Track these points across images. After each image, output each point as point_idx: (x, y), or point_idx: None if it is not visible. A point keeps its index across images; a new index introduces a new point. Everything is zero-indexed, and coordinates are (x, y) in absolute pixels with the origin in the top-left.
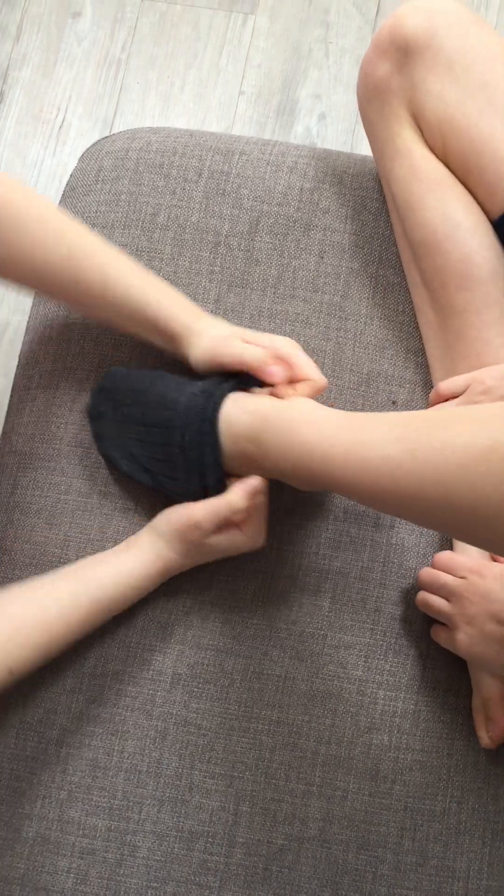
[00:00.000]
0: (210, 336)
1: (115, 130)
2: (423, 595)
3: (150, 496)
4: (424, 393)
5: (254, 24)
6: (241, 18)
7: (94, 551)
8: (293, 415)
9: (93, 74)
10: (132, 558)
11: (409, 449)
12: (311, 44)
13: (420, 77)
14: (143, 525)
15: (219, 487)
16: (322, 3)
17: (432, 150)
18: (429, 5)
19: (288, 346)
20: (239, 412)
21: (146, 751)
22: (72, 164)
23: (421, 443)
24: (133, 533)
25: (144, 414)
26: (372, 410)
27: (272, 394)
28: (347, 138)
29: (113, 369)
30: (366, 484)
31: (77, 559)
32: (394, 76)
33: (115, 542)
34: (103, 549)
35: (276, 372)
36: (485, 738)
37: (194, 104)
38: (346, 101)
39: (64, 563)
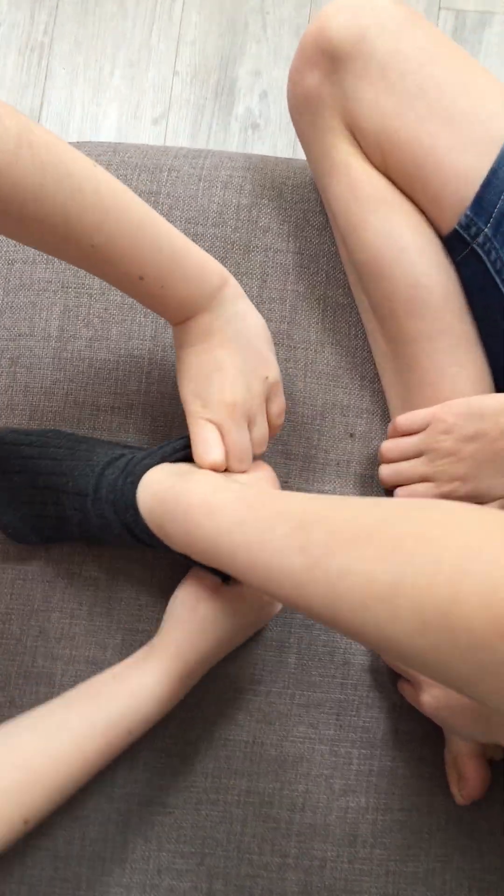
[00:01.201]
0: (182, 373)
1: (42, 121)
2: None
3: (95, 558)
4: (383, 423)
5: None
6: None
7: (39, 623)
8: (191, 500)
9: (14, 61)
10: (150, 668)
11: (310, 566)
12: (248, 15)
13: (352, 85)
14: (89, 591)
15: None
16: None
17: (372, 163)
18: (356, 3)
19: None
20: (146, 497)
21: (109, 835)
22: None
23: (322, 563)
24: (81, 600)
25: (34, 480)
26: (329, 445)
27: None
28: None
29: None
30: (272, 591)
31: (20, 632)
32: (324, 85)
33: (62, 612)
34: (48, 619)
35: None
36: (458, 796)
37: (126, 89)
38: (287, 77)
39: (5, 638)
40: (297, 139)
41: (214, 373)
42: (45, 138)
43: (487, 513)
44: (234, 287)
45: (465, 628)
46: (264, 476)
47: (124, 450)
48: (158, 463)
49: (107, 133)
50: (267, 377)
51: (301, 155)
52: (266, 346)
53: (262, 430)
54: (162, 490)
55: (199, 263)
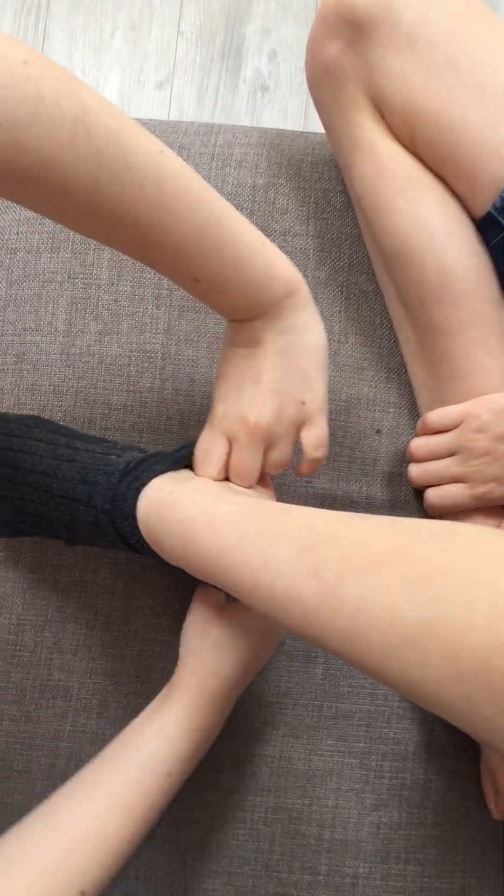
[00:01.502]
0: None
1: None
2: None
3: (110, 565)
4: (411, 418)
5: None
6: None
7: (53, 633)
8: (189, 511)
9: (10, 24)
10: (174, 705)
11: (322, 593)
12: None
13: (377, 56)
14: (105, 600)
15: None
16: None
17: (399, 140)
18: None
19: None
20: (144, 504)
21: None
22: None
23: (335, 590)
24: (97, 610)
25: (14, 474)
26: (354, 442)
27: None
28: (303, 78)
29: None
30: (277, 616)
31: (34, 644)
32: (346, 55)
33: (77, 622)
34: (63, 630)
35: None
36: (494, 811)
37: (128, 52)
38: (297, 36)
39: (19, 650)
40: (310, 101)
41: (249, 384)
42: (106, 121)
43: None
44: (301, 298)
45: None
46: (262, 491)
47: (106, 445)
48: (169, 469)
49: (108, 99)
50: (304, 402)
51: (316, 120)
52: (316, 368)
53: (281, 454)
54: (159, 498)
55: (265, 269)
